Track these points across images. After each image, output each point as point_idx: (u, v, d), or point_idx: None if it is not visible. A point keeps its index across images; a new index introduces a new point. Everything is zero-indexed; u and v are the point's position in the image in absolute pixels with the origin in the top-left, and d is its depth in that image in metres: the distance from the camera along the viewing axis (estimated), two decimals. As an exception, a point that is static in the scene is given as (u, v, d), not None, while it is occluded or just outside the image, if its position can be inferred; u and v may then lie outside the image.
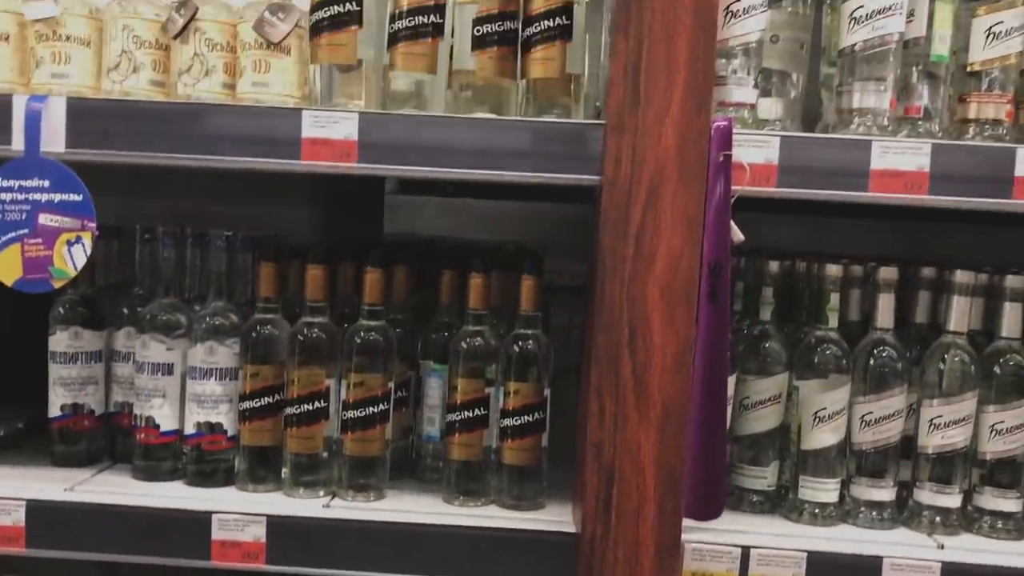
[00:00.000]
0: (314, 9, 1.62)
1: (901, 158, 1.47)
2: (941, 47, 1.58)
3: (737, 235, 1.49)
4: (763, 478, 1.70)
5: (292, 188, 2.21)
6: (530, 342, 1.63)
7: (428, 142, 1.53)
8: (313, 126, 1.52)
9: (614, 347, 1.47)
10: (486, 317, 1.66)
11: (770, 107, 1.65)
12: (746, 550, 1.52)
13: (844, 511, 1.66)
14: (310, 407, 1.63)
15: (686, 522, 1.53)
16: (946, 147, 1.48)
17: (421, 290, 1.83)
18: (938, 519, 1.62)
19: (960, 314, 1.62)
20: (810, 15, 1.69)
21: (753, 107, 1.59)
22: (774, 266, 1.70)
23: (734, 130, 1.48)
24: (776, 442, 1.70)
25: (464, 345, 1.65)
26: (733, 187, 1.48)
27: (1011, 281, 1.61)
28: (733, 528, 1.59)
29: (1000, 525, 1.62)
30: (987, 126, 1.58)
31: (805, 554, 1.52)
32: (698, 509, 1.54)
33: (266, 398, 1.66)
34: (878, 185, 1.48)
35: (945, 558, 1.52)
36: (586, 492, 1.49)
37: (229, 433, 1.69)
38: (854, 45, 1.56)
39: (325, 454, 1.65)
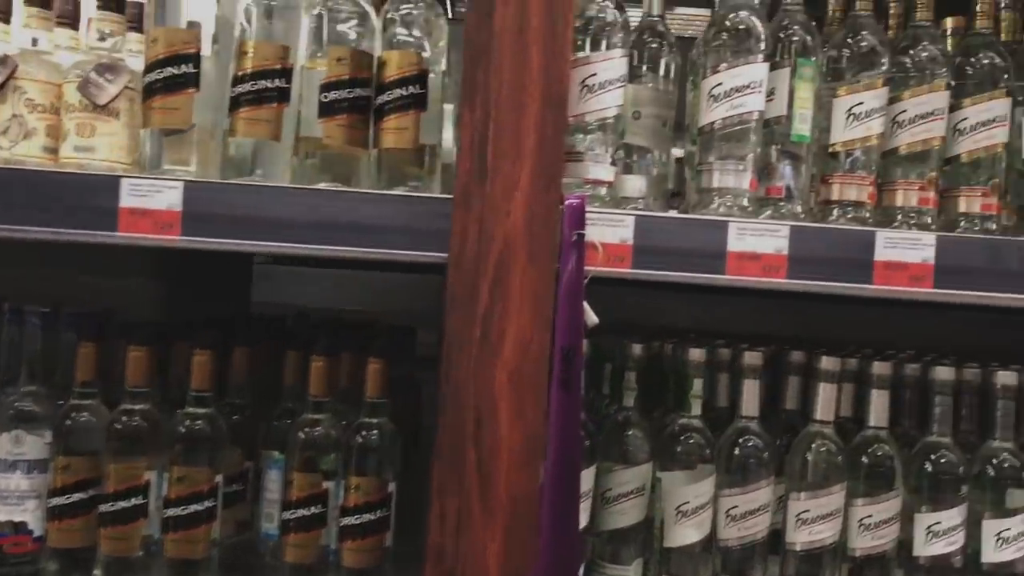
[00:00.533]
0: (148, 70, 1.50)
1: (759, 240, 1.41)
2: (802, 127, 1.54)
3: (591, 318, 1.40)
4: (625, 577, 1.59)
5: (138, 258, 2.06)
6: (374, 432, 1.50)
7: (262, 214, 1.41)
8: (132, 195, 1.39)
9: (459, 439, 1.36)
10: (328, 404, 1.53)
11: (632, 184, 1.59)
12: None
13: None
14: (127, 504, 1.47)
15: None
16: (805, 229, 1.43)
17: (272, 370, 1.70)
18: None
19: (826, 402, 1.55)
20: (673, 91, 1.64)
21: (611, 184, 1.52)
22: (637, 349, 1.62)
23: (589, 208, 1.40)
24: (639, 538, 1.59)
25: (301, 435, 1.51)
26: (586, 267, 1.39)
27: (877, 368, 1.56)
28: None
29: (871, 626, 1.55)
30: (850, 208, 1.54)
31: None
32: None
33: (79, 493, 1.49)
34: (735, 268, 1.41)
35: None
36: (426, 597, 1.36)
37: (35, 533, 1.51)
38: (713, 123, 1.51)
39: (142, 554, 1.48)
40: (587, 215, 1.40)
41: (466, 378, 1.35)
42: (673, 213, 1.55)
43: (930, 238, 1.41)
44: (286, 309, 2.28)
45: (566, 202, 1.39)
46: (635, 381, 1.62)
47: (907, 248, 1.41)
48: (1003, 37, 1.72)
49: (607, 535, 1.59)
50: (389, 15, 1.57)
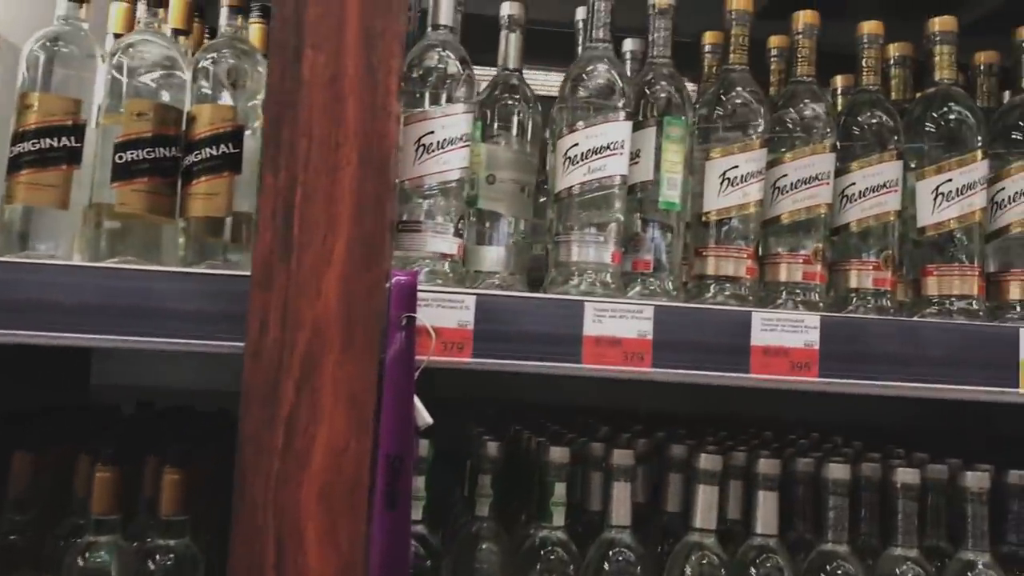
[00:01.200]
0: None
1: (619, 323, 1.21)
2: (671, 193, 1.36)
3: (423, 418, 1.18)
4: None
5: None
6: (169, 556, 1.25)
7: (29, 296, 1.16)
8: None
9: (256, 570, 1.11)
10: (112, 523, 1.27)
11: (488, 256, 1.40)
12: None
13: None
14: None
15: None
16: (671, 310, 1.24)
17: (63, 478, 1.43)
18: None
19: (706, 507, 1.35)
20: (533, 153, 1.46)
21: (453, 258, 1.31)
22: (492, 448, 1.40)
23: (425, 287, 1.20)
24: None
25: (80, 562, 1.25)
26: (419, 357, 1.18)
27: (764, 466, 1.36)
28: None
29: None
30: (727, 284, 1.36)
31: None
32: None
33: None
34: (593, 355, 1.21)
35: None
36: None
37: None
38: (570, 188, 1.32)
39: None
40: (421, 295, 1.18)
41: (265, 495, 1.12)
42: (527, 292, 1.35)
43: (813, 319, 1.23)
44: (129, 393, 2.02)
45: (393, 279, 1.17)
46: (491, 485, 1.39)
47: (788, 331, 1.23)
48: (893, 96, 1.59)
49: None
50: (200, 64, 1.36)
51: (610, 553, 1.34)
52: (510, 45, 1.47)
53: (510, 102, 1.45)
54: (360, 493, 1.13)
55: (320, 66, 1.15)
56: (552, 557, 1.34)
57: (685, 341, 1.22)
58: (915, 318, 1.34)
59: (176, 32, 1.47)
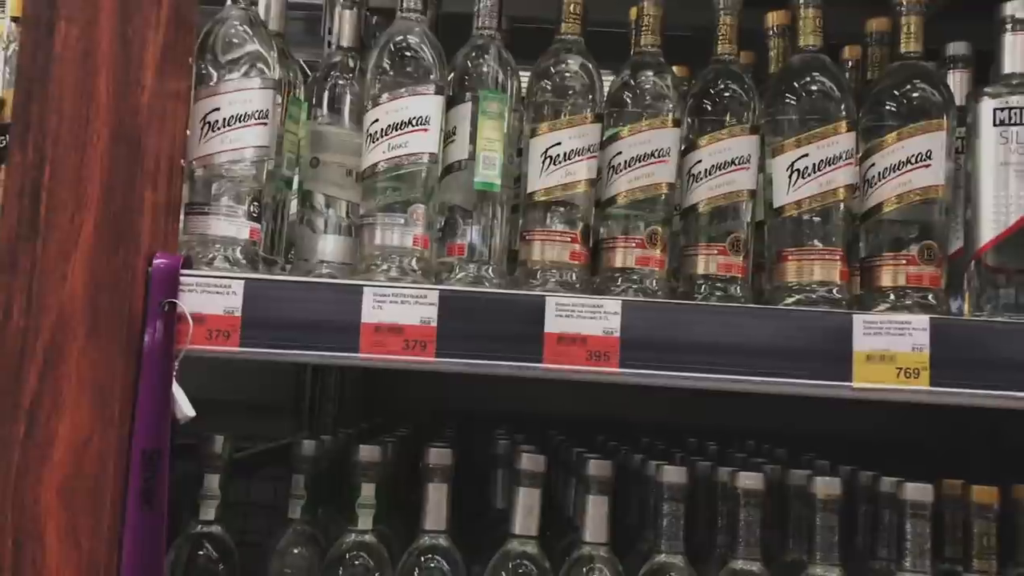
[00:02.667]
0: None
1: (401, 309, 1.12)
2: (489, 172, 1.26)
3: (184, 409, 1.11)
4: None
5: None
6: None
7: None
8: None
9: (-8, 575, 1.05)
10: None
11: (315, 244, 1.32)
12: None
13: None
14: None
15: None
16: (458, 296, 1.14)
17: None
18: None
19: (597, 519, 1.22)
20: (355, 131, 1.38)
21: (248, 243, 1.24)
22: (308, 447, 1.32)
23: (191, 272, 1.13)
24: None
25: None
26: (179, 347, 1.11)
27: (593, 468, 1.25)
28: None
29: None
30: (553, 271, 1.26)
31: None
32: None
33: None
34: (372, 344, 1.12)
35: None
36: None
37: None
38: (375, 165, 1.24)
39: None
40: (185, 280, 1.12)
41: (4, 489, 1.06)
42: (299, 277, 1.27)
43: (614, 304, 1.12)
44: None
45: (155, 263, 1.11)
46: (304, 486, 1.31)
47: (586, 317, 1.12)
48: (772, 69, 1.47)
49: None
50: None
51: (423, 558, 1.25)
52: (344, 22, 1.40)
53: (341, 82, 1.38)
54: (104, 489, 1.06)
55: (73, 39, 1.10)
56: (357, 563, 1.25)
57: (472, 329, 1.12)
58: (737, 305, 1.21)
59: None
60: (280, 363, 1.17)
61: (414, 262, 1.23)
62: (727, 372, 1.11)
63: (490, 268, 1.26)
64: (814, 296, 1.27)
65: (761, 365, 1.12)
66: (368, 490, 1.26)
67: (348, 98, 1.37)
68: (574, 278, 1.26)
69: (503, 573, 1.23)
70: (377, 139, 1.22)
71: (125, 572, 1.08)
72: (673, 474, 1.24)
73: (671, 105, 1.31)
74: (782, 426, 1.75)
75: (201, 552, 1.23)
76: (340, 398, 2.21)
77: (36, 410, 1.06)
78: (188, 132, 1.18)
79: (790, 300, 1.27)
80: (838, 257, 1.28)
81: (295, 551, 1.29)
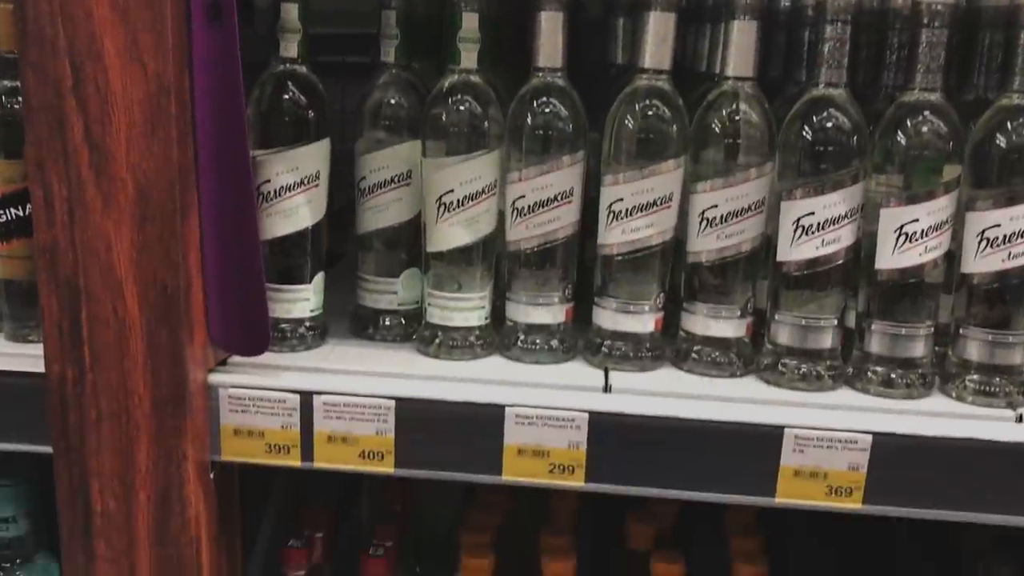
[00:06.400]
0: None
1: None
2: None
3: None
4: (391, 293, 1.19)
5: None
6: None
7: None
8: None
9: (53, 95, 0.93)
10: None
11: None
12: (307, 397, 1.04)
13: (502, 339, 1.16)
14: None
15: (236, 359, 1.06)
16: None
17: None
18: (621, 348, 1.12)
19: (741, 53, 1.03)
20: None
21: None
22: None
23: None
24: (409, 241, 1.18)
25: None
26: None
27: None
28: (311, 365, 1.10)
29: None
30: None
31: (394, 402, 1.04)
32: (235, 339, 1.05)
33: None
34: None
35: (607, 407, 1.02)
36: (44, 320, 1.00)
37: None
38: None
39: None
40: None
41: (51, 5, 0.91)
42: None
43: None
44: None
45: None
46: (395, 22, 1.13)
47: None
48: None
49: (367, 238, 1.19)
50: None
51: (535, 102, 1.08)
52: None
53: None
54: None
55: None
56: (462, 109, 1.09)
57: None
58: None
59: None
60: None
61: None
62: None
63: None
64: None
65: None
66: (470, 20, 1.07)
67: None
68: None
69: (631, 109, 1.06)
70: None
71: (198, 97, 0.95)
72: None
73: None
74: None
75: (286, 96, 1.10)
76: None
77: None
78: None
79: None
80: None
81: (392, 90, 1.14)
